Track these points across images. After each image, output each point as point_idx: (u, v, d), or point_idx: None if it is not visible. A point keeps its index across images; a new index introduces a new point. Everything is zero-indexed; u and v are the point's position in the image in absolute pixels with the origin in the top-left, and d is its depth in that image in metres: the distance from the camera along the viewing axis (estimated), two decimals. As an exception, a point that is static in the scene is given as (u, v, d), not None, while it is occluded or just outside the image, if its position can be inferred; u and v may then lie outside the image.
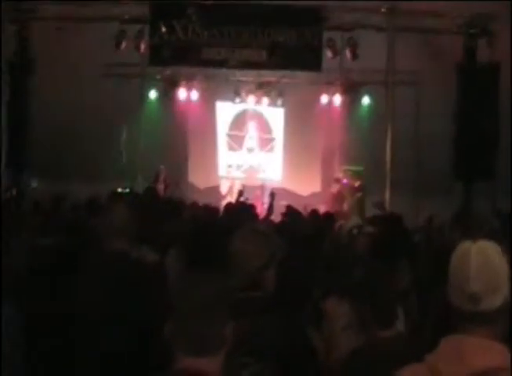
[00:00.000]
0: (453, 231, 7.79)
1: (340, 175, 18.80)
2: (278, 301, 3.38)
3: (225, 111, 20.83)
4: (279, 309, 3.35)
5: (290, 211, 10.16)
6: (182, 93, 19.84)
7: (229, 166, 18.88)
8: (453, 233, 7.68)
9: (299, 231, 7.04)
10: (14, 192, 15.18)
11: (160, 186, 16.67)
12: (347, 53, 16.10)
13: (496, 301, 2.27)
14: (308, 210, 12.54)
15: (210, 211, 8.90)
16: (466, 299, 2.28)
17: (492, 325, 2.29)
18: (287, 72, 18.31)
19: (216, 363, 2.42)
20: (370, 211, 15.61)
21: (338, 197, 17.38)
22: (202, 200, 12.93)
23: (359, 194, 17.67)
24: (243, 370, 3.01)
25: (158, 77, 19.55)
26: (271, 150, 20.98)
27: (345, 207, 17.29)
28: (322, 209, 13.75)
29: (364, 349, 3.52)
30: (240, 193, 12.19)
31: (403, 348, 3.31)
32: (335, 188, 17.60)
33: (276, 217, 10.40)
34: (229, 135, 20.90)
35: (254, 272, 3.33)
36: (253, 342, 3.04)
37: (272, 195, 10.68)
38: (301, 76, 18.90)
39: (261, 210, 13.43)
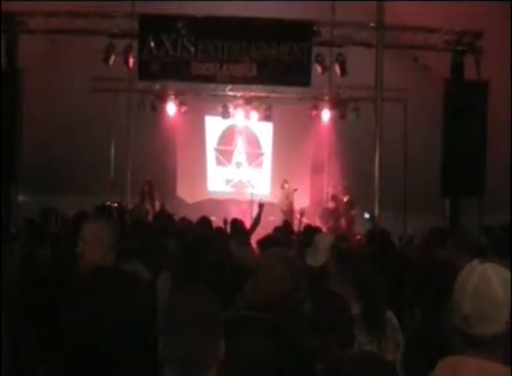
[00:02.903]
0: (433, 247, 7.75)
1: (330, 190, 18.88)
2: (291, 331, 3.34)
3: (214, 126, 20.86)
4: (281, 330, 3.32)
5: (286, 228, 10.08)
6: (170, 108, 19.86)
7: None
8: (434, 250, 7.65)
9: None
10: (1, 206, 15.10)
11: (147, 200, 16.63)
12: (336, 69, 16.15)
13: (491, 328, 2.20)
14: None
15: (201, 227, 8.86)
16: (460, 319, 2.24)
17: (490, 350, 2.21)
18: (276, 87, 18.36)
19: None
20: (358, 227, 15.66)
21: (335, 214, 17.41)
22: (190, 215, 12.91)
23: (354, 212, 17.66)
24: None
25: (147, 91, 19.54)
26: (259, 164, 21.01)
27: (342, 223, 17.31)
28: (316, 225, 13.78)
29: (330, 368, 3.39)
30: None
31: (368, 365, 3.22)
32: (332, 204, 17.62)
33: (264, 231, 10.35)
34: (218, 150, 20.91)
35: (272, 296, 3.31)
36: (251, 361, 3.03)
37: (261, 206, 10.61)
38: (290, 91, 18.96)
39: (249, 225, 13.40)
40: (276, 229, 9.27)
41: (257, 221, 10.25)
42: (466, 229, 9.34)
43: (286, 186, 18.51)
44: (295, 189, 18.61)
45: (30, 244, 5.91)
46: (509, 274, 2.27)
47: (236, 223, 9.24)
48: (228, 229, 9.30)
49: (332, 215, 17.40)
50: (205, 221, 9.03)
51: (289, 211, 17.97)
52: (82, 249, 4.08)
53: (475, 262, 2.29)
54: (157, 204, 17.00)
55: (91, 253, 4.04)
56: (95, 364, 3.69)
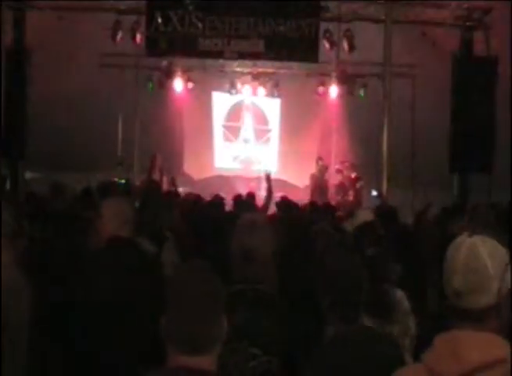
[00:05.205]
0: (449, 223, 7.75)
1: (337, 166, 18.83)
2: (283, 294, 3.36)
3: (221, 102, 20.81)
4: (283, 302, 3.33)
5: (286, 203, 10.05)
6: (177, 84, 19.78)
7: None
8: (449, 226, 7.65)
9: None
10: (9, 182, 15.14)
11: (156, 176, 16.60)
12: (344, 45, 16.04)
13: (481, 300, 2.20)
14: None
15: (205, 203, 8.86)
16: (451, 294, 2.24)
17: (484, 322, 2.22)
18: (284, 63, 18.26)
19: (211, 359, 2.39)
20: (367, 203, 15.64)
21: (341, 188, 17.39)
22: (197, 192, 12.92)
23: (360, 184, 17.65)
24: (251, 361, 3.02)
25: (154, 67, 19.48)
26: (267, 141, 20.97)
27: (351, 197, 17.30)
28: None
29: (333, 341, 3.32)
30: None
31: (368, 340, 3.20)
32: (337, 179, 17.59)
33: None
34: (225, 126, 20.88)
35: (259, 265, 3.31)
36: (256, 334, 3.05)
37: (268, 177, 10.40)
38: (298, 67, 18.86)
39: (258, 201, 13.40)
40: (278, 205, 9.28)
41: (269, 194, 10.10)
42: (483, 206, 9.31)
43: (320, 162, 18.22)
44: (326, 167, 18.37)
45: (36, 221, 5.91)
46: (498, 246, 2.27)
47: (249, 199, 9.23)
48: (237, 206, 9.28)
49: (340, 189, 17.39)
50: (217, 200, 9.02)
51: (324, 188, 17.76)
52: (100, 222, 4.25)
53: (463, 235, 2.31)
54: (165, 180, 16.96)
55: (107, 226, 4.20)
56: (106, 333, 3.75)
